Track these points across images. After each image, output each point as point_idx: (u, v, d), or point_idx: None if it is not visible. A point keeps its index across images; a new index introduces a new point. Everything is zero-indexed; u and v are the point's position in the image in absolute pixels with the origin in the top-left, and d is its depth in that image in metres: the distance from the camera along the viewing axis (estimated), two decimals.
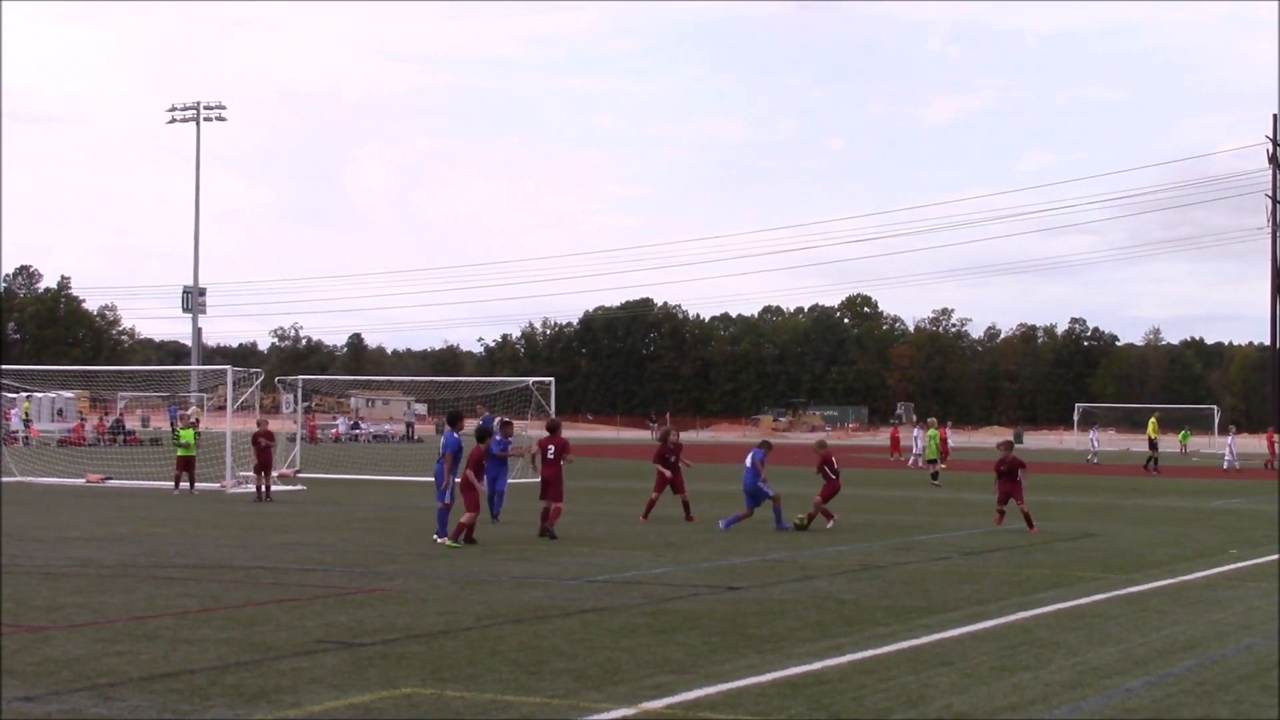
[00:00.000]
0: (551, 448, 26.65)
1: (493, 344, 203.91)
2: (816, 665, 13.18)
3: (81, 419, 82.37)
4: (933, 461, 51.14)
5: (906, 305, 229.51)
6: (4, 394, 63.25)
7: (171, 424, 41.39)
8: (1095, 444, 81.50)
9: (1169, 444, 80.00)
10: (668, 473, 30.14)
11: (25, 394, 70.96)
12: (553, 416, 31.29)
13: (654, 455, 30.79)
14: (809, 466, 30.31)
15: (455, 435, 25.28)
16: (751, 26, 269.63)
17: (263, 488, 35.97)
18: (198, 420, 44.22)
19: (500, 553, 22.97)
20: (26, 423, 72.94)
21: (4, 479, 42.67)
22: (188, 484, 37.94)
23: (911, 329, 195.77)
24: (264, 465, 36.17)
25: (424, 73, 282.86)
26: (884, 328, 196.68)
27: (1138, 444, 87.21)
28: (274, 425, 39.93)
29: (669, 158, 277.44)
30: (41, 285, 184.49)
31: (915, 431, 68.74)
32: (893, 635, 15.04)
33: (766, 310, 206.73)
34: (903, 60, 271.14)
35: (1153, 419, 68.86)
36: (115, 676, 12.13)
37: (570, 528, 27.71)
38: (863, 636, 14.90)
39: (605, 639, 14.47)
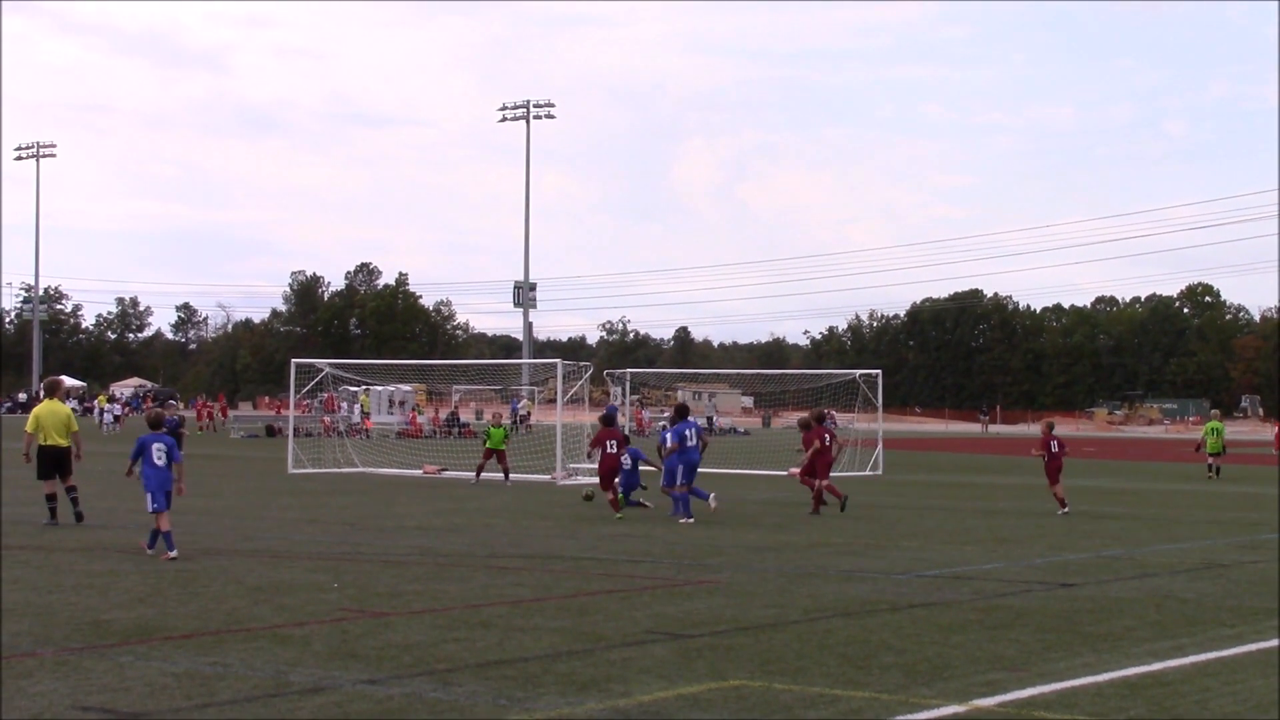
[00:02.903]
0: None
1: (818, 336, 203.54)
2: (1156, 666, 12.72)
3: (417, 411, 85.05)
4: (1216, 454, 48.24)
5: (1251, 294, 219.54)
6: (345, 387, 65.97)
7: (513, 416, 42.33)
8: None
9: None
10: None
11: (364, 387, 73.71)
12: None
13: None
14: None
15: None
16: (1083, 10, 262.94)
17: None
18: (529, 413, 45.09)
19: (826, 546, 22.84)
20: (365, 415, 75.57)
21: (346, 470, 44.44)
22: (502, 474, 38.50)
23: (1257, 318, 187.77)
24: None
25: (749, 66, 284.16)
26: (1227, 317, 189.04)
27: None
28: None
29: (999, 146, 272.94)
30: (380, 282, 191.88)
31: None
32: (1239, 637, 14.41)
33: (1100, 300, 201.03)
34: (1247, 38, 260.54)
35: None
36: (453, 662, 12.43)
37: (898, 523, 27.50)
38: (1206, 638, 14.32)
39: (935, 634, 14.23)
